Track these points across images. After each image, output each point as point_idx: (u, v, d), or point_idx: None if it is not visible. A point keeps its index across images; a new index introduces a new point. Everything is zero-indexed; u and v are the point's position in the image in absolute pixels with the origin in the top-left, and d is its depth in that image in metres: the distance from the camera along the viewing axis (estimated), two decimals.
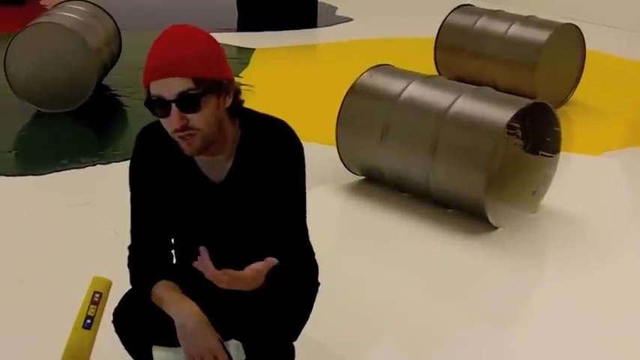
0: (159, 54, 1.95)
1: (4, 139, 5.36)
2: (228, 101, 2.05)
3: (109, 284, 2.20)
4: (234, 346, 2.03)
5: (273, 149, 2.11)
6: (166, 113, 1.96)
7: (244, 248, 2.17)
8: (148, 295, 2.14)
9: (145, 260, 2.22)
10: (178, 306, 2.06)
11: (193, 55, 1.94)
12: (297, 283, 2.18)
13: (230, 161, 2.13)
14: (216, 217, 2.19)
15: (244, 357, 2.05)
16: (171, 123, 1.97)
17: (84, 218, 4.06)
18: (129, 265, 2.25)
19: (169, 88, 1.93)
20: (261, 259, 1.94)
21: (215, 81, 1.98)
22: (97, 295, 2.17)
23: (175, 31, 2.01)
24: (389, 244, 3.94)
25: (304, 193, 2.19)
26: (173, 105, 1.94)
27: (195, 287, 2.10)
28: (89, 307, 2.15)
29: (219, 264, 2.19)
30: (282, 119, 2.18)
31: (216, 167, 2.13)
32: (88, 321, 2.14)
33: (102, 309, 2.16)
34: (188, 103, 1.94)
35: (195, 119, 1.96)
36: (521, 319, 3.36)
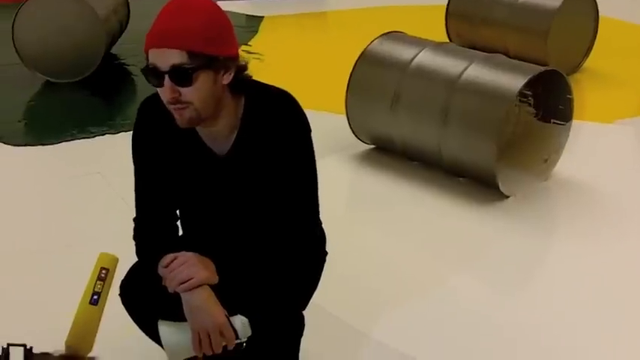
0: (160, 23, 1.93)
1: (13, 109, 5.36)
2: (228, 78, 2.00)
3: (116, 260, 2.19)
4: (240, 322, 2.02)
5: (277, 122, 2.07)
6: (159, 83, 1.94)
7: (249, 222, 2.15)
8: (154, 268, 2.13)
9: (149, 232, 2.21)
10: None
11: (192, 28, 1.90)
12: (303, 255, 2.17)
13: (234, 134, 2.11)
14: (220, 189, 2.17)
15: (250, 333, 2.04)
16: (163, 94, 1.96)
17: (94, 187, 4.06)
18: (134, 237, 2.24)
19: (164, 58, 1.90)
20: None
21: (212, 57, 1.94)
22: (104, 271, 2.16)
23: (181, 2, 1.97)
24: (399, 213, 3.92)
25: (313, 166, 2.15)
26: (166, 76, 1.92)
27: None
28: (96, 283, 2.14)
29: (223, 238, 2.17)
30: (286, 90, 2.13)
31: (220, 140, 2.11)
32: (95, 297, 2.13)
33: (109, 285, 2.16)
34: (180, 76, 1.91)
35: (188, 93, 1.93)
36: (533, 287, 3.35)
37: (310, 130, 2.11)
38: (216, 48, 1.95)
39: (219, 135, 2.10)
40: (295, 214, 2.13)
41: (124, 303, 2.27)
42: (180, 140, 2.12)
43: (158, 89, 1.97)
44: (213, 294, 2.03)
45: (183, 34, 1.89)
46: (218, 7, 2.01)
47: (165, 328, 2.05)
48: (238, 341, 2.03)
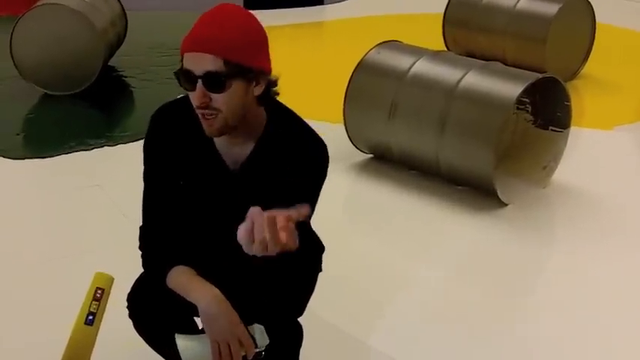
0: (199, 28, 1.96)
1: (12, 121, 5.36)
2: (259, 90, 2.02)
3: (112, 280, 2.18)
4: (259, 330, 2.02)
5: (297, 145, 2.08)
6: (192, 87, 1.96)
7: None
8: (162, 280, 2.12)
9: (158, 243, 2.18)
10: (201, 291, 2.03)
11: (231, 36, 1.93)
12: (299, 263, 2.16)
13: (250, 148, 2.11)
14: (228, 203, 2.16)
15: (267, 341, 2.03)
16: (194, 98, 1.97)
17: (93, 200, 4.05)
18: (141, 248, 2.21)
19: (199, 63, 1.93)
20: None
21: (246, 67, 1.96)
22: (99, 291, 2.15)
23: (222, 9, 2.00)
24: (398, 222, 3.92)
25: (317, 194, 2.14)
26: (199, 81, 1.93)
27: (208, 272, 2.08)
28: (91, 303, 2.14)
29: (229, 251, 2.16)
30: (321, 138, 2.14)
31: (235, 153, 2.11)
32: (90, 317, 2.13)
33: (104, 305, 2.15)
34: (213, 82, 1.93)
35: (218, 100, 1.95)
36: (532, 295, 3.34)
37: (327, 159, 2.13)
38: (251, 59, 1.98)
39: (237, 148, 2.10)
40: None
41: (131, 315, 2.24)
42: (195, 149, 2.12)
43: (190, 93, 1.99)
44: (229, 304, 2.02)
45: (221, 42, 1.92)
46: (256, 19, 2.04)
47: (184, 343, 2.03)
48: (257, 350, 2.02)
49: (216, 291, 2.03)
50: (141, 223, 2.22)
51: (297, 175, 2.06)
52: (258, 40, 2.02)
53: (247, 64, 1.96)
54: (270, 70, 2.07)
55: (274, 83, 2.09)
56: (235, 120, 2.01)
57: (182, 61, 1.98)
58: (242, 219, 2.13)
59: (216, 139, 2.10)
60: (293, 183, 2.06)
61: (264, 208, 2.07)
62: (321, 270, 2.33)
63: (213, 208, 2.20)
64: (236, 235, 2.02)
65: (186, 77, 1.96)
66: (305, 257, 2.22)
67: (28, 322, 2.97)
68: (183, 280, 2.08)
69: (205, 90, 1.94)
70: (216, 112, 1.97)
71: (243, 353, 1.99)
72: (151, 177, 2.19)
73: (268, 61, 2.06)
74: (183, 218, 2.24)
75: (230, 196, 2.15)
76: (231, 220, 2.17)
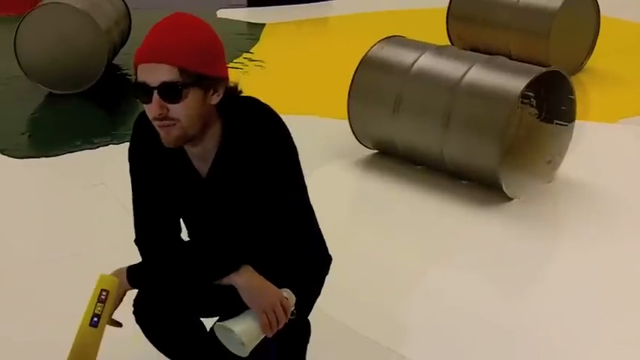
0: (152, 39, 1.93)
1: (17, 121, 5.37)
2: (216, 98, 2.00)
3: (117, 282, 2.19)
4: (287, 292, 2.08)
5: (253, 137, 2.05)
6: (148, 99, 1.93)
7: (240, 234, 2.14)
8: (159, 269, 2.13)
9: (150, 238, 2.20)
10: (234, 273, 2.05)
11: (184, 45, 1.90)
12: (308, 267, 2.18)
13: (214, 155, 2.09)
14: (204, 209, 2.17)
15: (295, 300, 2.09)
16: (150, 110, 1.94)
17: (98, 198, 4.06)
18: (144, 258, 2.21)
19: (154, 74, 1.90)
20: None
21: (202, 75, 1.93)
22: (104, 293, 2.15)
23: (175, 19, 1.97)
24: (403, 217, 3.92)
25: (298, 174, 2.13)
26: (155, 92, 1.91)
27: None
28: (96, 305, 2.15)
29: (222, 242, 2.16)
30: (263, 102, 2.11)
31: (203, 159, 2.10)
32: (95, 319, 2.13)
33: (109, 307, 2.15)
34: (170, 92, 1.90)
35: (176, 110, 1.92)
36: (537, 289, 3.33)
37: (288, 135, 2.09)
38: (207, 67, 1.95)
39: (206, 155, 2.09)
40: (288, 218, 2.12)
41: (138, 320, 2.26)
42: (169, 158, 2.11)
43: (145, 106, 1.96)
44: (258, 274, 2.05)
45: (175, 50, 1.89)
46: (211, 27, 2.01)
47: (239, 327, 2.03)
48: (292, 309, 2.08)
49: (248, 266, 2.06)
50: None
51: (268, 168, 2.04)
52: (212, 47, 1.99)
53: (203, 72, 1.93)
54: (226, 78, 2.03)
55: (233, 90, 2.06)
56: (194, 129, 1.98)
57: (136, 73, 1.95)
58: (220, 223, 2.14)
59: (187, 150, 2.09)
60: (270, 176, 2.04)
61: (239, 210, 2.06)
62: (327, 273, 2.34)
63: (191, 214, 2.22)
64: (222, 236, 2.03)
65: (141, 89, 1.92)
66: (313, 272, 2.25)
67: (33, 321, 2.98)
68: None
69: (162, 101, 1.91)
70: (173, 121, 1.94)
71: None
72: (135, 180, 2.20)
73: (225, 68, 2.03)
74: (171, 215, 2.25)
75: (204, 201, 2.15)
76: (210, 224, 2.19)
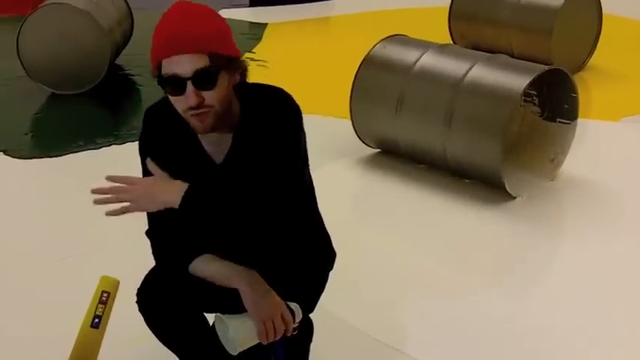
0: (171, 30, 1.91)
1: (20, 121, 5.38)
2: (238, 78, 2.01)
3: (117, 283, 2.19)
4: (294, 306, 2.07)
5: (270, 123, 2.04)
6: (181, 91, 1.92)
7: (251, 231, 2.13)
8: (184, 268, 2.12)
9: (172, 240, 2.18)
10: (241, 276, 2.05)
11: (207, 30, 1.91)
12: (312, 262, 2.18)
13: (230, 141, 2.08)
14: None
15: (301, 316, 2.09)
16: (187, 101, 1.93)
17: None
18: (154, 250, 2.20)
19: (184, 65, 1.89)
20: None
21: (228, 57, 1.95)
22: (105, 295, 2.16)
23: (184, 7, 1.97)
24: (406, 215, 3.92)
25: (299, 167, 2.11)
26: (189, 82, 1.90)
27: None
28: (97, 307, 2.15)
29: (228, 247, 2.16)
30: (285, 91, 2.10)
31: (219, 146, 2.10)
32: (96, 320, 2.14)
33: (110, 308, 2.16)
34: (205, 80, 1.90)
35: (211, 96, 1.93)
36: (541, 288, 3.33)
37: (299, 126, 2.07)
38: (229, 48, 1.97)
39: (222, 140, 2.08)
40: (289, 209, 2.10)
41: (141, 309, 2.23)
42: (183, 148, 2.11)
43: (175, 98, 1.95)
44: (267, 284, 2.05)
45: (201, 37, 1.89)
46: (213, 9, 2.02)
47: (234, 322, 2.04)
48: (295, 325, 2.07)
49: (255, 273, 2.05)
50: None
51: (272, 156, 2.03)
52: (227, 29, 2.00)
53: (228, 54, 1.95)
54: (241, 56, 2.05)
55: (246, 69, 2.06)
56: (224, 112, 1.99)
57: (158, 68, 1.94)
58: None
59: (201, 137, 2.08)
60: (272, 165, 2.02)
61: (252, 199, 2.03)
62: (331, 269, 2.33)
63: None
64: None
65: (172, 82, 1.92)
66: (317, 266, 2.24)
67: (34, 321, 2.98)
68: (217, 268, 2.09)
69: (197, 89, 1.91)
70: (209, 109, 1.94)
71: (284, 328, 2.04)
72: (148, 173, 2.19)
73: (236, 47, 2.04)
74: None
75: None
76: None
